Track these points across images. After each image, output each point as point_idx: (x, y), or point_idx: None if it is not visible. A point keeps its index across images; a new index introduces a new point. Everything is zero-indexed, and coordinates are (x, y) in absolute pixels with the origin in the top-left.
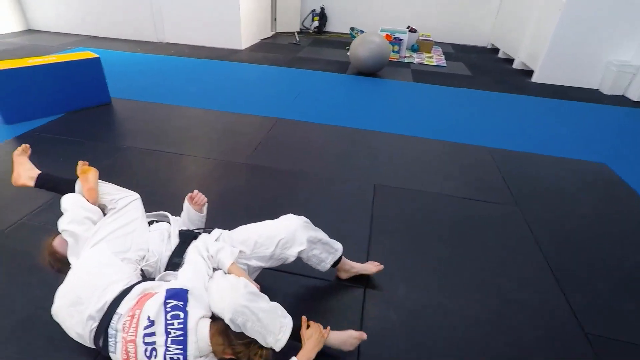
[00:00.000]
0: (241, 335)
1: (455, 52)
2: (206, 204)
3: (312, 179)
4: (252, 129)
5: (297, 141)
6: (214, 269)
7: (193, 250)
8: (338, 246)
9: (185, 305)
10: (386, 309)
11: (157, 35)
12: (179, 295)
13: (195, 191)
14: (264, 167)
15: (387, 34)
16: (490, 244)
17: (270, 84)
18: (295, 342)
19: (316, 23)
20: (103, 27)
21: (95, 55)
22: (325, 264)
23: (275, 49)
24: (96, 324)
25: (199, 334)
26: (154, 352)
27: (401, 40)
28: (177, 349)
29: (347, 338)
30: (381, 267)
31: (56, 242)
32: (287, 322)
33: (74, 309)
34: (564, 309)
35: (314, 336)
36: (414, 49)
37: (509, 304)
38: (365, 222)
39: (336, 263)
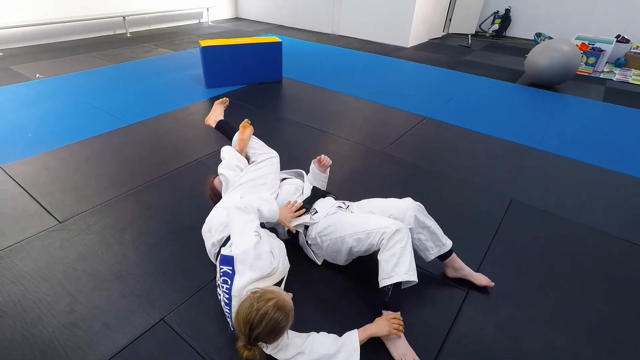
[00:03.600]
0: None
1: None
2: (330, 166)
3: (444, 179)
4: (397, 123)
5: (439, 142)
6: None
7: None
8: (447, 241)
9: (233, 272)
10: (484, 320)
11: (332, 27)
12: (227, 262)
13: (323, 155)
14: (399, 158)
15: (582, 43)
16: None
17: (426, 83)
18: None
19: (496, 26)
20: (289, 18)
21: (278, 40)
22: (429, 254)
23: (441, 50)
24: (217, 249)
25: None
26: (219, 298)
27: (602, 51)
28: (227, 310)
29: (403, 352)
30: (492, 283)
31: (216, 181)
32: None
33: (207, 235)
34: None
35: (385, 325)
36: (619, 63)
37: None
38: (487, 235)
39: (444, 257)
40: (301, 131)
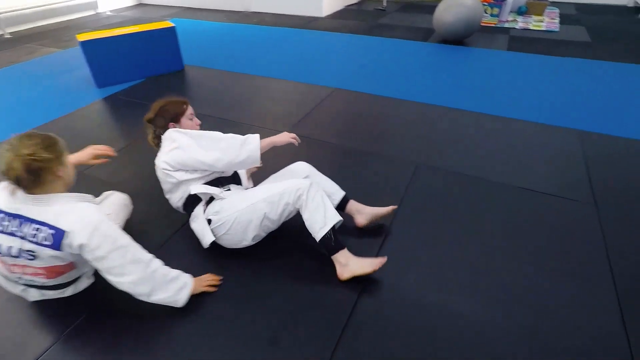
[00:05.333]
0: None
1: (578, 13)
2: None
3: (349, 153)
4: (306, 99)
5: (347, 113)
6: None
7: None
8: (340, 191)
9: None
10: (390, 292)
11: (243, 4)
12: None
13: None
14: (303, 137)
15: None
16: (545, 247)
17: (339, 53)
18: None
19: None
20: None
21: (171, 25)
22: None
23: (357, 16)
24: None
25: None
26: None
27: (504, 1)
28: None
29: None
30: (395, 206)
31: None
32: None
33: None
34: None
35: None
36: (521, 11)
37: (550, 320)
38: (393, 204)
39: (343, 207)
40: (204, 123)
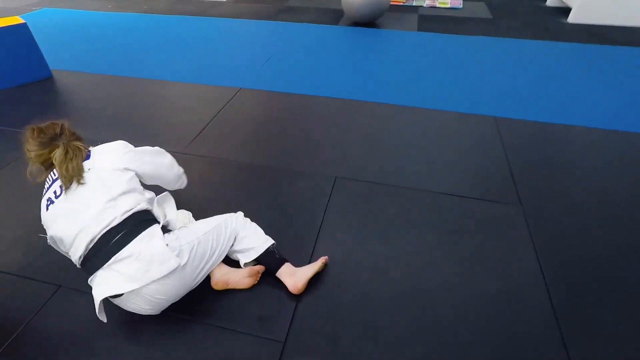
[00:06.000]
0: None
1: None
2: None
3: (257, 172)
4: (204, 105)
5: (254, 119)
6: None
7: None
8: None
9: None
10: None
11: None
12: None
13: None
14: (204, 157)
15: None
16: (477, 245)
17: (244, 43)
18: None
19: None
20: None
21: (21, 21)
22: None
23: None
24: None
25: None
26: None
27: None
28: None
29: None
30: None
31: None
32: None
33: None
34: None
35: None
36: None
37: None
38: (315, 225)
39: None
40: None
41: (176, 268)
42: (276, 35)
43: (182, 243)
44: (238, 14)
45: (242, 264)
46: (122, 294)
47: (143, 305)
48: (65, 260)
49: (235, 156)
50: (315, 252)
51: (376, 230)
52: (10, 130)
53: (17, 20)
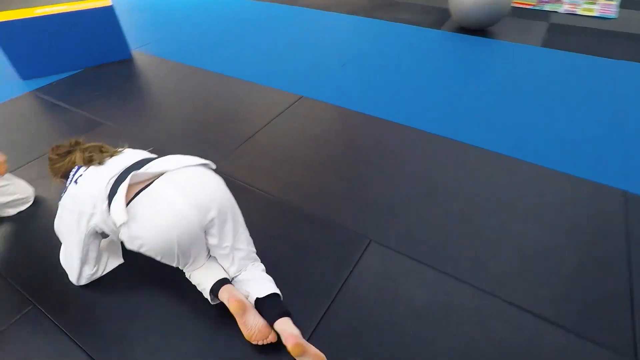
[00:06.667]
0: None
1: None
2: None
3: (288, 209)
4: (258, 111)
5: (301, 142)
6: None
7: None
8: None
9: None
10: None
11: None
12: None
13: None
14: (235, 179)
15: None
16: None
17: (321, 40)
18: None
19: None
20: None
21: (108, 3)
22: None
23: None
24: None
25: None
26: None
27: None
28: None
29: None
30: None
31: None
32: None
33: None
34: None
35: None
36: None
37: None
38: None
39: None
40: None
41: (212, 168)
42: (361, 35)
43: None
44: (328, 5)
45: (253, 297)
46: (151, 183)
47: (174, 202)
48: None
49: (266, 182)
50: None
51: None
52: (66, 109)
53: (106, 2)
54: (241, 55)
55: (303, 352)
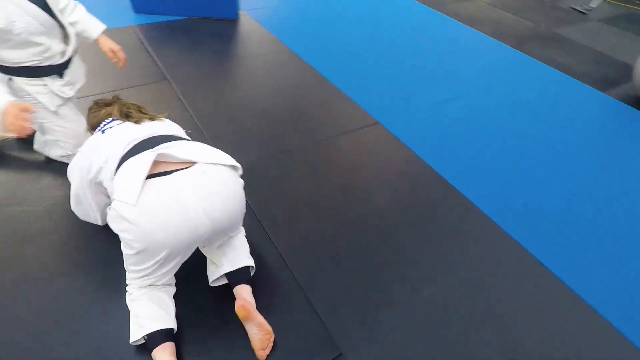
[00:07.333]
0: None
1: None
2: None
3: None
4: (327, 124)
5: (348, 179)
6: None
7: None
8: None
9: None
10: None
11: None
12: None
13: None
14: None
15: None
16: None
17: (441, 62)
18: None
19: None
20: None
21: None
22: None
23: (538, 10)
24: None
25: None
26: None
27: None
28: None
29: None
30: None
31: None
32: None
33: None
34: None
35: None
36: None
37: None
38: None
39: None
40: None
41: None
42: (494, 68)
43: None
44: (481, 21)
45: (225, 270)
46: (174, 171)
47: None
48: None
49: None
50: None
51: None
52: (158, 65)
53: None
54: (342, 58)
55: (248, 316)
